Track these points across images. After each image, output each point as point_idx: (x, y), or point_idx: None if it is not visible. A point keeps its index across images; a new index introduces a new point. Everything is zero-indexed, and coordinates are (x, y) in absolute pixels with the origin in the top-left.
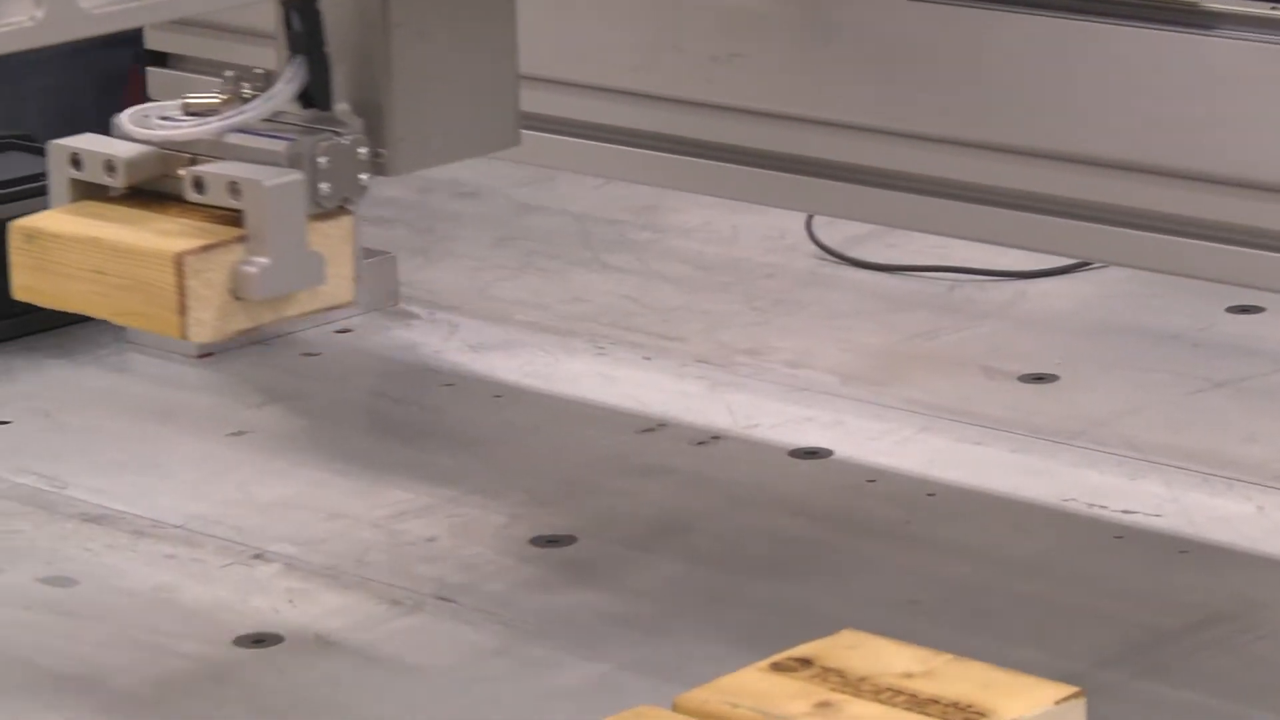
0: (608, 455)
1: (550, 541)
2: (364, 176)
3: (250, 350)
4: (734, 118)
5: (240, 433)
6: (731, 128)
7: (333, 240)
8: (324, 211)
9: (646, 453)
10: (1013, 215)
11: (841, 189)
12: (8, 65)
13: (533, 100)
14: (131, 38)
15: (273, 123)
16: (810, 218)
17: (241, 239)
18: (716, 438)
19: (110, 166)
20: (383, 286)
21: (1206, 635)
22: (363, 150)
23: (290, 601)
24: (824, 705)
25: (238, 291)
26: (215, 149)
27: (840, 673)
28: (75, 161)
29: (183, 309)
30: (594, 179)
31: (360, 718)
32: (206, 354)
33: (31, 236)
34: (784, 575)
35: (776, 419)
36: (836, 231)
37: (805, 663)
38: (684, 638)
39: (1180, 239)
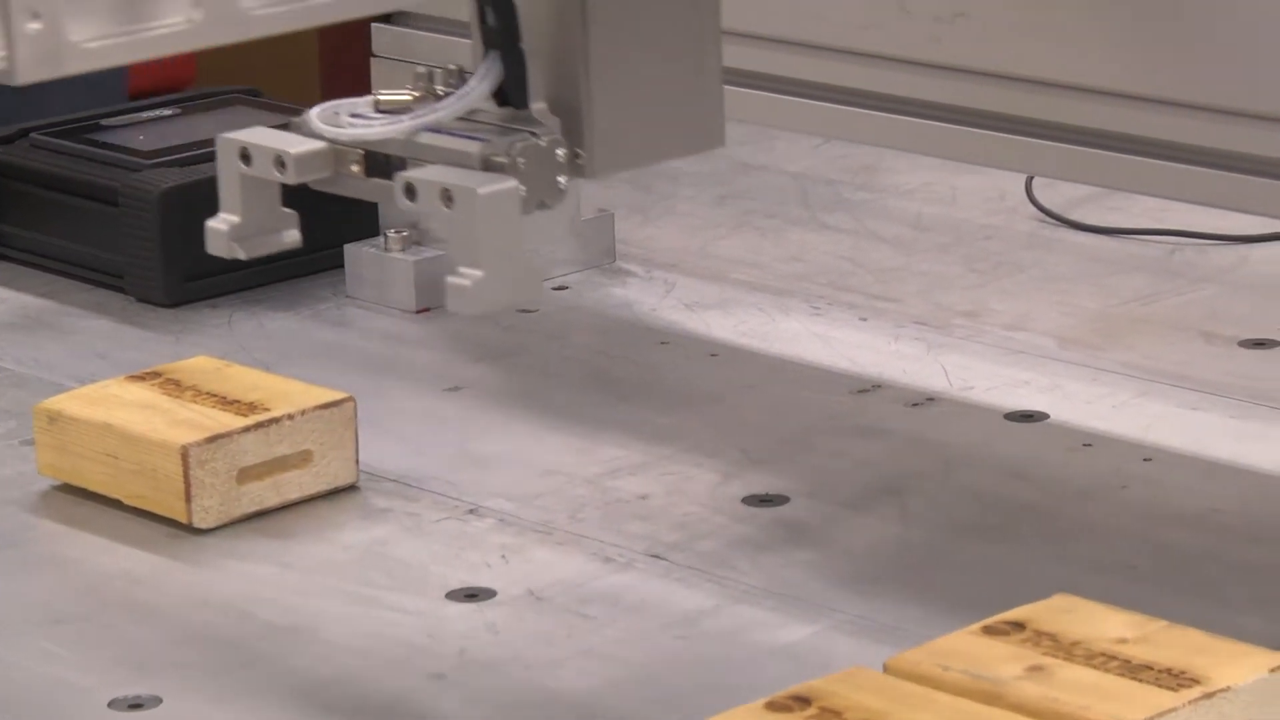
0: (822, 415)
1: (763, 501)
2: (562, 180)
3: None
4: (957, 78)
5: (457, 388)
6: (954, 88)
7: (335, 425)
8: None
9: (861, 413)
10: (1236, 178)
11: (1063, 150)
12: None
13: (753, 59)
14: None
15: (467, 121)
16: (1030, 179)
17: (247, 429)
18: (932, 399)
19: (281, 162)
20: (600, 244)
21: None
22: (561, 151)
23: (503, 557)
24: (1036, 669)
25: (449, 305)
26: (406, 149)
27: (1053, 637)
28: (245, 156)
29: (188, 496)
30: (812, 138)
31: (572, 672)
32: (424, 309)
33: (53, 419)
34: (998, 538)
35: (992, 381)
36: (1057, 194)
37: (1018, 626)
38: (896, 600)
39: None
